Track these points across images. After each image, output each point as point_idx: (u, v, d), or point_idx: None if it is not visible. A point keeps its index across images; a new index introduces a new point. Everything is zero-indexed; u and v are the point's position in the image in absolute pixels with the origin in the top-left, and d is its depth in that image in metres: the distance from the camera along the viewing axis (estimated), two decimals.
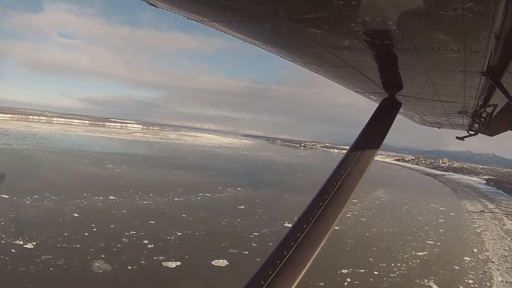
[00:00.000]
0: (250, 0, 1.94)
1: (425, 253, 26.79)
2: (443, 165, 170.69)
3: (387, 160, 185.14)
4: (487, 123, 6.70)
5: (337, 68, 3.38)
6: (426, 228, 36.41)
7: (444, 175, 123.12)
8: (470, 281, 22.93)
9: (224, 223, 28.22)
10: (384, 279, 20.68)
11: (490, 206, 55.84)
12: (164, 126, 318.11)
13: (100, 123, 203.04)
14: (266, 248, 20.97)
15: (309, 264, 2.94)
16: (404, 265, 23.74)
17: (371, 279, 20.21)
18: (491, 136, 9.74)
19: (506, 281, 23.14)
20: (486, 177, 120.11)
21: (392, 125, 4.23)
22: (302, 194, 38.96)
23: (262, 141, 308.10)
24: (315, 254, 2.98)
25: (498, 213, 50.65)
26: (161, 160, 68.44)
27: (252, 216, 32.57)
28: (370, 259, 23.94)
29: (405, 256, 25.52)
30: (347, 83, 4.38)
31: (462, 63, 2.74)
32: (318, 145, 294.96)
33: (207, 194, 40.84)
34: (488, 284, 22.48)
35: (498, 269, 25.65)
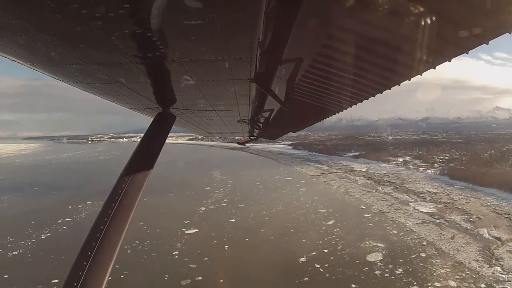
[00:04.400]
0: (5, 13, 1.74)
1: (333, 221, 29.03)
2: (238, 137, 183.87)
3: (181, 141, 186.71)
4: (265, 127, 6.97)
5: (106, 85, 3.14)
6: (302, 199, 39.68)
7: (248, 146, 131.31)
8: (394, 231, 26.32)
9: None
10: (344, 252, 21.52)
11: (324, 167, 66.87)
12: None
13: None
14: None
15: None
16: (334, 236, 25.07)
17: (344, 254, 20.38)
18: (273, 140, 10.65)
19: (416, 223, 27.89)
20: (288, 142, 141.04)
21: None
22: (160, 191, 38.05)
23: (48, 141, 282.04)
24: (107, 277, 2.87)
25: (338, 172, 60.95)
26: None
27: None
28: (318, 241, 23.52)
29: (323, 228, 27.07)
30: (120, 100, 4.11)
31: (229, 72, 2.73)
32: (105, 137, 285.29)
33: (67, 219, 33.68)
34: (407, 229, 26.44)
35: (399, 216, 30.66)
